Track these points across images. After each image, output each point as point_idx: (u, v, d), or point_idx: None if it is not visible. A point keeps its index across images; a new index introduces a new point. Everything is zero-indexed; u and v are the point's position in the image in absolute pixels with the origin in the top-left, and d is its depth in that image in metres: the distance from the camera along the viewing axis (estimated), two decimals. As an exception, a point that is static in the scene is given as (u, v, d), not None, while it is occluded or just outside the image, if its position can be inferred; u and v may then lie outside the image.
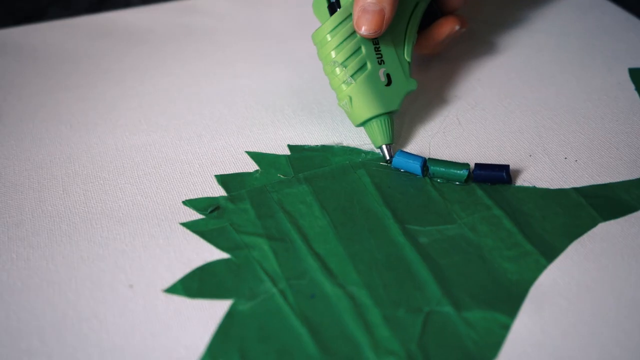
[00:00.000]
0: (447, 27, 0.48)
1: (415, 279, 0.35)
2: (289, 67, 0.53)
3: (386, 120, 0.43)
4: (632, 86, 0.48)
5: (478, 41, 0.54)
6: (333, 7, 0.44)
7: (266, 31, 0.58)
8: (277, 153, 0.44)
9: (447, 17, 0.48)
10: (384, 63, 0.43)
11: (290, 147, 0.45)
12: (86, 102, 0.50)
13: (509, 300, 0.34)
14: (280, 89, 0.50)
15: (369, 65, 0.43)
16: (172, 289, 0.36)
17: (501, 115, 0.47)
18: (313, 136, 0.46)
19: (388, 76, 0.43)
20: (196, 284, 0.36)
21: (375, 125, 0.43)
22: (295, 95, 0.50)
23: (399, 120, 0.46)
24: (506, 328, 0.33)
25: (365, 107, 0.43)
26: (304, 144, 0.45)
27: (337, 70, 0.43)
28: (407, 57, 0.44)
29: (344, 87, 0.43)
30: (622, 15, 0.57)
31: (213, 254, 0.38)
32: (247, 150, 0.45)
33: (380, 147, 0.43)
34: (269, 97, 0.50)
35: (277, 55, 0.54)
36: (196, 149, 0.45)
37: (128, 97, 0.50)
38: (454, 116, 0.47)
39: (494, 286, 0.35)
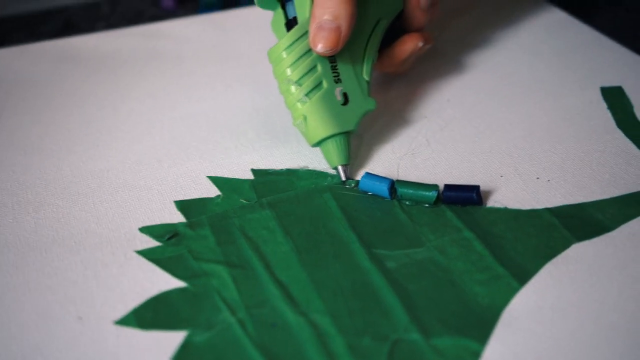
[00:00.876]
0: (410, 45, 0.47)
1: (382, 306, 0.34)
2: (255, 91, 0.51)
3: (342, 140, 0.41)
4: (604, 105, 0.47)
5: (447, 61, 0.53)
6: (290, 24, 0.43)
7: (233, 54, 0.56)
8: (241, 178, 0.43)
9: (410, 34, 0.47)
10: (340, 82, 0.42)
11: (254, 171, 0.43)
12: (42, 126, 0.48)
13: (480, 325, 0.32)
14: (245, 113, 0.49)
15: (324, 84, 0.41)
16: (124, 321, 0.33)
17: (471, 136, 0.45)
18: (278, 160, 0.44)
19: (345, 95, 0.42)
20: (150, 315, 0.34)
21: (330, 145, 0.41)
22: (261, 120, 0.48)
23: (366, 142, 0.45)
24: (477, 355, 0.31)
25: (320, 127, 0.41)
26: (268, 168, 0.43)
27: (292, 88, 0.41)
28: (365, 76, 0.43)
29: (299, 105, 0.41)
30: (592, 34, 0.56)
31: (169, 282, 0.36)
32: (208, 175, 0.43)
33: (336, 168, 0.42)
34: (233, 121, 0.48)
35: (243, 79, 0.53)
36: (156, 175, 0.43)
37: (87, 123, 0.49)
38: (423, 137, 0.45)
39: (465, 311, 0.33)
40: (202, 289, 0.35)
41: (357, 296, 0.34)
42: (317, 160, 0.44)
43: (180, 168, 0.44)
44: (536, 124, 0.46)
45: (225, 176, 0.43)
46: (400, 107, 0.49)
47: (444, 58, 0.54)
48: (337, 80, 0.42)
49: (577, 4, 0.61)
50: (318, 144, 0.42)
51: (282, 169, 0.43)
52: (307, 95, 0.41)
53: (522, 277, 0.35)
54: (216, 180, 0.43)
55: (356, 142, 0.45)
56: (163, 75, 0.54)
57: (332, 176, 0.42)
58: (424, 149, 0.44)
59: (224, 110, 0.49)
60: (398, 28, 0.47)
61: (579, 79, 0.51)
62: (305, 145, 0.45)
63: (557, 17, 0.59)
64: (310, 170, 0.43)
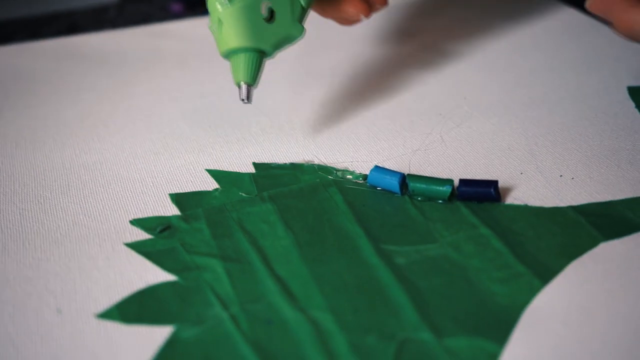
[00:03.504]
0: (351, 10, 0.42)
1: (390, 303, 0.31)
2: (260, 87, 0.49)
3: (254, 58, 0.38)
4: (632, 104, 0.44)
5: (463, 59, 0.51)
6: None
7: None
8: (241, 171, 0.40)
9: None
10: None
11: (255, 165, 0.40)
12: (37, 121, 0.46)
13: (498, 326, 0.29)
14: (250, 108, 0.46)
15: None
16: (106, 314, 0.31)
17: (489, 134, 0.42)
18: (282, 155, 0.41)
19: (271, 11, 0.38)
20: (135, 309, 0.31)
21: (241, 59, 0.38)
22: (265, 114, 0.46)
23: (375, 136, 0.42)
24: (494, 357, 0.28)
25: (234, 36, 0.38)
26: (271, 162, 0.41)
27: None
28: (302, 1, 0.39)
29: (218, 6, 0.38)
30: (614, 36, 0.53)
31: (158, 276, 0.33)
32: (207, 168, 0.40)
33: (239, 85, 0.38)
34: (236, 116, 0.46)
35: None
36: (151, 167, 0.41)
37: (83, 117, 0.46)
38: (438, 134, 0.43)
39: (481, 311, 0.30)
40: (194, 282, 0.32)
41: (362, 293, 0.31)
42: (323, 155, 0.41)
43: (178, 161, 0.41)
44: (558, 122, 0.43)
45: (226, 170, 0.40)
46: (414, 104, 0.46)
47: (460, 57, 0.51)
48: None
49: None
50: (228, 54, 0.38)
51: (285, 163, 0.40)
52: None
53: (545, 275, 0.32)
54: (215, 174, 0.40)
55: (363, 132, 0.42)
56: (166, 73, 0.52)
57: (338, 171, 0.39)
58: (438, 146, 0.42)
59: (227, 106, 0.47)
60: None
61: (603, 79, 0.48)
62: (311, 140, 0.42)
63: (577, 19, 0.56)
64: (315, 164, 0.40)
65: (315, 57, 0.53)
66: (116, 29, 0.60)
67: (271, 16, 0.38)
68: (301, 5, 0.39)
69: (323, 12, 0.44)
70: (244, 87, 0.38)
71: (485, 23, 0.56)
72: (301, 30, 0.39)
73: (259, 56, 0.38)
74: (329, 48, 0.54)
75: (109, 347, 0.29)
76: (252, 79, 0.38)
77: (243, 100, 0.38)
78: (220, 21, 0.38)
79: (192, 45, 0.55)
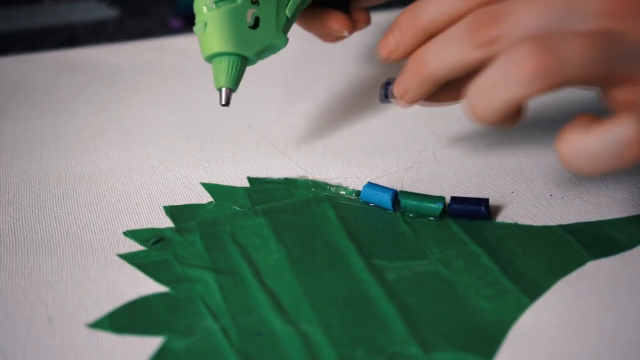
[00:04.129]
0: (334, 26, 0.42)
1: (379, 318, 0.31)
2: (256, 104, 0.49)
3: (236, 63, 0.38)
4: (622, 126, 0.45)
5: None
6: None
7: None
8: (236, 185, 0.40)
9: (341, 16, 0.42)
10: (257, 4, 0.38)
11: (250, 179, 0.41)
12: (33, 132, 0.46)
13: (486, 341, 0.29)
14: (246, 125, 0.47)
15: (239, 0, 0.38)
16: (97, 324, 0.31)
17: (481, 152, 0.43)
18: (276, 170, 0.42)
19: (257, 20, 0.38)
20: (126, 319, 0.31)
21: (223, 63, 0.38)
22: (261, 130, 0.46)
23: (369, 153, 0.43)
24: (482, 373, 0.28)
25: (218, 40, 0.38)
26: (265, 177, 0.41)
27: None
28: (287, 12, 0.39)
29: (204, 9, 0.38)
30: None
31: (150, 287, 0.33)
32: (202, 182, 0.41)
33: (220, 89, 0.38)
34: (232, 131, 0.46)
35: (245, 93, 0.51)
36: (146, 180, 0.41)
37: (79, 129, 0.47)
38: (430, 152, 0.43)
39: (469, 326, 0.30)
40: (185, 294, 0.32)
41: (352, 307, 0.31)
42: (317, 171, 0.41)
43: (173, 174, 0.41)
44: (550, 143, 0.43)
45: (220, 184, 0.41)
46: (408, 122, 0.46)
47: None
48: (255, 2, 0.38)
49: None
50: (211, 57, 0.38)
51: (279, 178, 0.41)
52: (216, 2, 0.38)
53: (533, 292, 0.32)
54: (209, 187, 0.40)
55: (357, 149, 0.42)
56: (163, 87, 0.52)
57: (332, 186, 0.40)
58: (431, 163, 0.42)
59: (223, 121, 0.47)
60: None
61: (595, 101, 0.48)
62: (305, 156, 0.43)
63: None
64: (309, 180, 0.41)
65: (310, 74, 0.53)
66: (115, 42, 0.60)
67: (256, 24, 0.39)
68: (287, 16, 0.40)
69: (307, 26, 0.44)
70: (224, 91, 0.38)
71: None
72: (285, 41, 0.40)
73: (241, 62, 0.38)
74: (323, 65, 0.55)
75: (99, 356, 0.29)
76: (234, 84, 0.38)
77: (222, 104, 0.38)
78: (205, 23, 0.38)
79: (190, 60, 0.56)
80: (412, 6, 0.34)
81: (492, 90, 0.29)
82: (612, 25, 0.29)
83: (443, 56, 0.32)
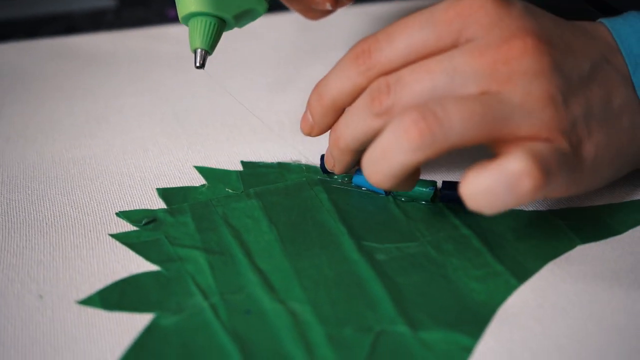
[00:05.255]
0: None
1: (368, 297, 0.31)
2: (252, 91, 0.50)
3: (213, 25, 0.37)
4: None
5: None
6: None
7: (233, 59, 0.55)
8: (229, 169, 0.40)
9: None
10: None
11: (243, 163, 0.41)
12: (29, 116, 0.47)
13: (474, 321, 0.30)
14: (241, 110, 0.47)
15: None
16: (88, 301, 0.31)
17: (474, 139, 0.43)
18: (270, 154, 0.42)
19: None
20: (116, 296, 0.31)
21: (199, 23, 0.37)
22: (255, 115, 0.46)
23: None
24: (468, 351, 0.28)
25: None
26: (259, 160, 0.41)
27: None
28: None
29: None
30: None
31: (141, 267, 0.33)
32: (195, 165, 0.41)
33: (195, 51, 0.37)
34: (227, 116, 0.46)
35: (241, 80, 0.51)
36: (140, 163, 0.41)
37: (75, 114, 0.47)
38: (424, 138, 0.43)
39: (457, 306, 0.30)
40: (176, 273, 0.33)
41: (342, 286, 0.32)
42: (311, 155, 0.41)
43: (167, 158, 0.42)
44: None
45: (214, 167, 0.41)
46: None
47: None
48: None
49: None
50: (188, 18, 0.38)
51: (273, 162, 0.41)
52: None
53: (522, 275, 0.32)
54: (203, 170, 0.40)
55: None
56: (160, 74, 0.52)
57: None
58: (424, 149, 0.42)
59: (218, 107, 0.47)
60: None
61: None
62: (299, 141, 0.43)
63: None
64: (302, 164, 0.41)
65: (305, 60, 0.54)
66: (113, 30, 0.60)
67: None
68: None
69: (289, 1, 0.43)
70: (199, 53, 0.38)
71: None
72: (265, 7, 0.39)
73: (218, 24, 0.38)
74: (318, 51, 0.55)
75: (89, 332, 0.29)
76: (210, 46, 0.38)
77: (197, 66, 0.38)
78: None
79: (186, 49, 0.56)
80: (317, 85, 0.35)
81: (384, 158, 0.30)
82: (490, 87, 0.30)
83: (351, 128, 0.33)
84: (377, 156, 0.30)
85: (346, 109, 0.34)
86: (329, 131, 0.36)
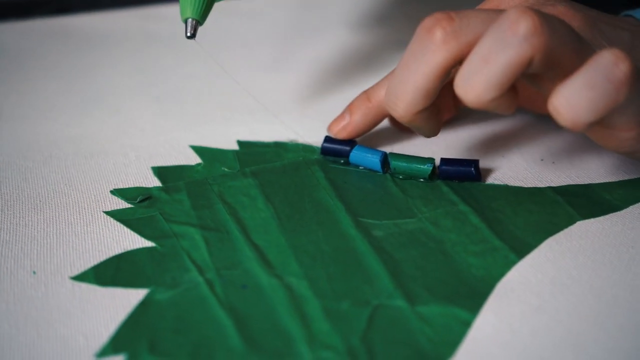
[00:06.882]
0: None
1: (365, 272, 0.31)
2: (250, 71, 0.49)
3: None
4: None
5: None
6: None
7: (230, 39, 0.54)
8: (225, 148, 0.40)
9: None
10: None
11: (239, 142, 0.41)
12: (23, 95, 0.46)
13: (472, 296, 0.29)
14: (237, 90, 0.46)
15: None
16: (82, 277, 0.31)
17: (472, 117, 0.43)
18: (267, 134, 0.41)
19: None
20: (111, 272, 0.31)
21: None
22: (252, 95, 0.46)
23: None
24: (467, 325, 0.28)
25: None
26: (256, 140, 0.41)
27: None
28: None
29: None
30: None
31: (136, 243, 0.33)
32: (191, 144, 0.41)
33: (186, 21, 0.37)
34: (224, 97, 0.46)
35: (239, 59, 0.51)
36: (136, 142, 0.41)
37: (71, 93, 0.46)
38: (422, 117, 0.43)
39: (456, 281, 0.30)
40: (171, 249, 0.32)
41: (338, 262, 0.31)
42: (307, 135, 0.41)
43: (163, 137, 0.41)
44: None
45: (210, 146, 0.40)
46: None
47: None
48: None
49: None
50: None
51: (269, 142, 0.41)
52: None
53: (521, 250, 0.32)
54: (199, 150, 0.40)
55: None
56: (156, 53, 0.52)
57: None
58: (422, 128, 0.42)
59: (215, 87, 0.47)
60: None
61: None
62: (297, 121, 0.42)
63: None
64: (299, 144, 0.40)
65: (301, 40, 0.53)
66: (107, 9, 0.60)
67: None
68: None
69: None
70: (190, 23, 0.37)
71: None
72: None
73: None
74: (315, 31, 0.54)
75: (83, 307, 0.29)
76: (200, 16, 0.37)
77: (188, 37, 0.37)
78: None
79: (182, 28, 0.55)
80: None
81: (486, 64, 0.29)
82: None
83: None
84: (477, 65, 0.29)
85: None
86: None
